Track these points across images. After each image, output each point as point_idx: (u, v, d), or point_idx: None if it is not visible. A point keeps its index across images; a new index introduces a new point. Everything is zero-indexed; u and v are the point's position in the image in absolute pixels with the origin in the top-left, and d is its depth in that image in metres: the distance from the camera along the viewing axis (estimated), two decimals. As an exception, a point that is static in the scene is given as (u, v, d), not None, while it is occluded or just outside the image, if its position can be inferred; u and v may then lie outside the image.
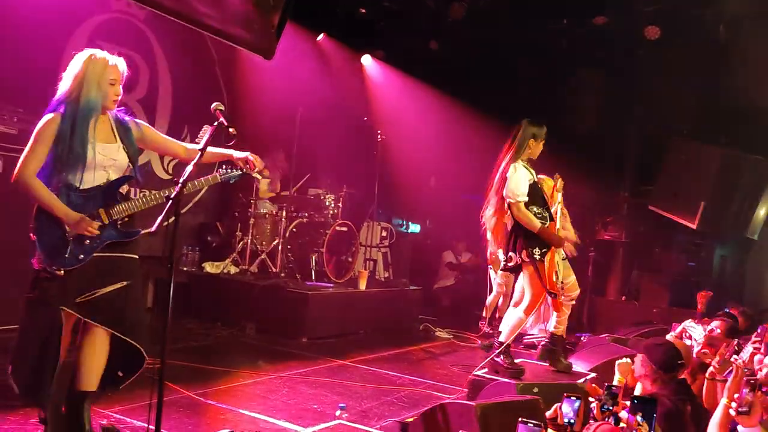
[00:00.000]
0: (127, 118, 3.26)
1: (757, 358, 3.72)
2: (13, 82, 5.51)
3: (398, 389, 4.80)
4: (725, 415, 2.67)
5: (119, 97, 3.14)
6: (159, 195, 3.12)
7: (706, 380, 3.49)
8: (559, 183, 4.97)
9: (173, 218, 2.62)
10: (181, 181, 2.61)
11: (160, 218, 2.53)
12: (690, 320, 5.31)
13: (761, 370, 3.47)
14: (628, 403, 2.91)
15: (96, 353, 3.08)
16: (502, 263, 4.80)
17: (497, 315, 7.22)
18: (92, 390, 3.09)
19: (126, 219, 3.17)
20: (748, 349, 3.83)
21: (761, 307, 7.89)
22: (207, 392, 4.13)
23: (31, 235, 3.05)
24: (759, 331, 4.18)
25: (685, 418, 3.33)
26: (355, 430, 3.76)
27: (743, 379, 2.66)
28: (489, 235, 6.55)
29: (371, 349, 6.03)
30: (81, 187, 3.05)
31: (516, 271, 4.73)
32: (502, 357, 4.56)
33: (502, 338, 4.61)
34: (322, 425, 3.77)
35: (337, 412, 3.90)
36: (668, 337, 5.39)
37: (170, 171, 7.03)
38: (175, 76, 7.12)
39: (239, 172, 3.38)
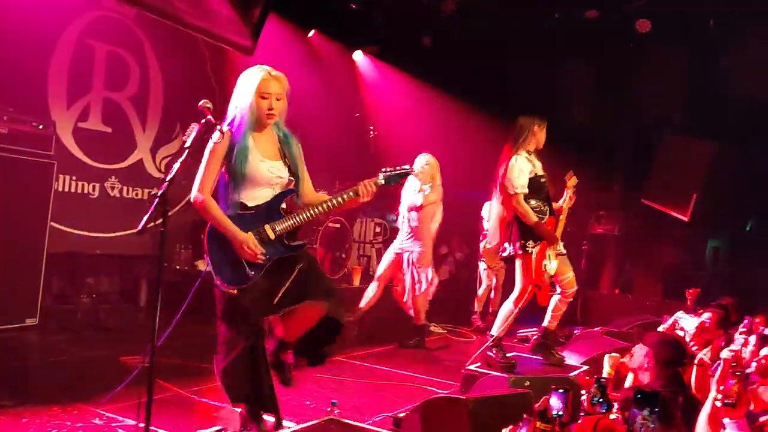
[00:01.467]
0: (289, 133, 3.25)
1: (747, 349, 3.75)
2: (3, 82, 5.50)
3: (391, 384, 4.81)
4: (714, 407, 2.69)
5: (275, 112, 3.08)
6: (323, 207, 3.15)
7: (695, 367, 3.51)
8: (571, 180, 4.98)
9: (162, 217, 2.61)
10: (167, 179, 2.60)
11: (146, 217, 2.52)
12: (681, 311, 5.34)
13: (752, 362, 3.50)
14: (617, 395, 2.93)
15: (306, 321, 3.18)
16: (501, 253, 4.82)
17: (490, 309, 7.24)
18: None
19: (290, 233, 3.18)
20: (739, 339, 3.86)
21: (754, 297, 7.93)
22: (201, 389, 4.13)
23: (205, 256, 3.14)
24: (746, 322, 4.21)
25: (676, 409, 3.35)
26: (347, 426, 3.76)
27: (729, 371, 2.68)
28: (487, 227, 6.58)
29: (365, 345, 6.04)
30: (249, 205, 3.09)
31: (510, 262, 4.76)
32: (494, 350, 4.58)
33: (493, 331, 4.64)
34: (315, 421, 3.77)
35: (329, 408, 3.90)
36: (660, 329, 5.43)
37: (162, 169, 7.02)
38: (166, 75, 7.11)
39: (405, 171, 3.27)
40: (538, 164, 4.73)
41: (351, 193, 3.14)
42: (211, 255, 3.10)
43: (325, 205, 3.15)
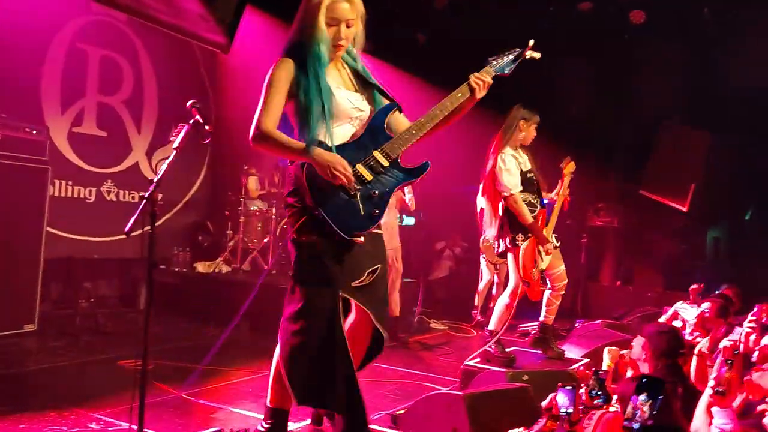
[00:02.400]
0: (365, 66, 2.85)
1: (752, 338, 3.71)
2: (-5, 88, 5.49)
3: (391, 382, 4.79)
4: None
5: (344, 43, 2.68)
6: (439, 111, 2.66)
7: (695, 357, 3.49)
8: (568, 167, 4.93)
9: (150, 219, 2.59)
10: (155, 180, 2.58)
11: (133, 218, 2.50)
12: (681, 302, 5.31)
13: (754, 351, 3.47)
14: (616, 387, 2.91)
15: (362, 341, 2.81)
16: (496, 250, 4.80)
17: (490, 304, 7.23)
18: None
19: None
20: (740, 329, 3.82)
21: (756, 287, 7.90)
22: (198, 391, 4.12)
23: (315, 211, 2.55)
24: (755, 310, 4.14)
25: (675, 400, 3.33)
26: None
27: (721, 358, 2.66)
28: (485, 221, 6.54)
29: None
30: (329, 144, 2.59)
31: (505, 256, 4.75)
32: (493, 346, 4.57)
33: (491, 326, 4.62)
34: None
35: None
36: (661, 320, 5.41)
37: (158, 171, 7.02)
38: (160, 77, 7.11)
39: (513, 56, 2.84)
40: (524, 158, 4.68)
41: (465, 91, 2.69)
42: (322, 204, 2.52)
43: (441, 109, 2.65)
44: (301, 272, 2.66)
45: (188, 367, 4.60)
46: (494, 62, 2.84)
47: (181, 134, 2.72)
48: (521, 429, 2.85)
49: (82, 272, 6.34)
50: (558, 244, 4.73)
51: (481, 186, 4.82)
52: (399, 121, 2.83)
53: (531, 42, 2.88)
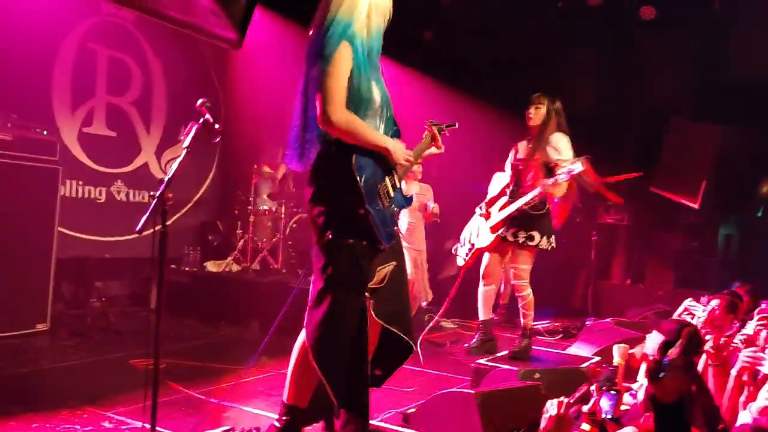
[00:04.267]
0: None
1: (763, 334, 3.65)
2: (5, 88, 5.52)
3: (402, 380, 4.78)
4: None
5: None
6: (415, 153, 2.83)
7: (710, 368, 3.40)
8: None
9: (161, 217, 2.59)
10: (165, 179, 2.58)
11: (144, 217, 2.49)
12: (690, 299, 5.21)
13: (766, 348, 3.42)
14: (628, 385, 2.88)
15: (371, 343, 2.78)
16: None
17: (501, 302, 7.22)
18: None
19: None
20: (751, 324, 3.76)
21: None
22: (210, 390, 4.13)
23: (360, 210, 2.52)
24: (764, 306, 4.07)
25: (695, 409, 3.28)
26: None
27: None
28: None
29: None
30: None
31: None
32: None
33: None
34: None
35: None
36: (674, 316, 5.35)
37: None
38: (168, 78, 7.13)
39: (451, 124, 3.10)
40: (518, 148, 5.02)
41: (427, 139, 2.91)
42: (370, 202, 2.53)
43: (414, 152, 2.79)
44: (340, 275, 2.61)
45: (200, 365, 4.61)
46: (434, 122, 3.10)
47: (191, 133, 2.71)
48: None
49: (93, 272, 6.38)
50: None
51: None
52: None
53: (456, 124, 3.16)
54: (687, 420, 2.47)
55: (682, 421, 2.01)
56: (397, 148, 2.65)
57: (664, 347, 2.43)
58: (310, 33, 2.71)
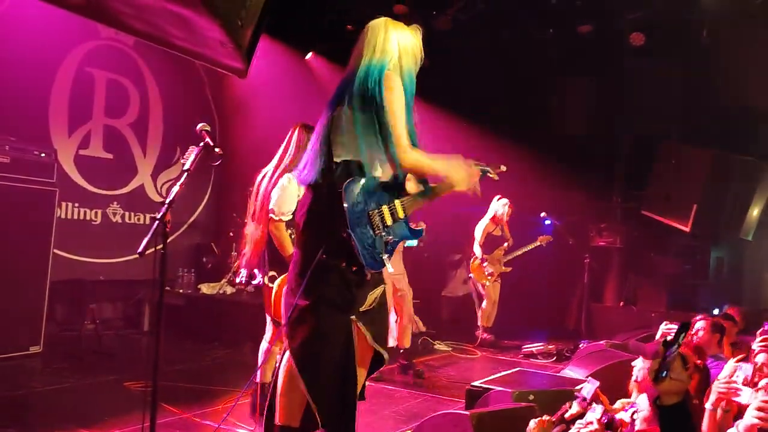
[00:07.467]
0: None
1: (761, 358, 3.63)
2: (4, 110, 5.56)
3: (396, 403, 4.79)
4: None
5: None
6: (441, 189, 2.76)
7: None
8: None
9: (162, 239, 2.62)
10: (167, 201, 2.61)
11: (146, 239, 2.52)
12: (665, 322, 5.04)
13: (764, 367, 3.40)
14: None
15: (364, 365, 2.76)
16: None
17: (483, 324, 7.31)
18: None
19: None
20: (729, 365, 3.64)
21: (760, 307, 7.89)
22: (205, 412, 4.12)
23: (344, 234, 2.53)
24: (766, 328, 3.97)
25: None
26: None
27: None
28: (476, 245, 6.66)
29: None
30: (376, 174, 2.66)
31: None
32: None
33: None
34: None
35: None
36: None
37: (164, 194, 7.07)
38: (165, 100, 7.20)
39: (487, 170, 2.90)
40: None
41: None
42: (353, 227, 2.54)
43: (444, 188, 2.75)
44: (328, 294, 2.62)
45: (194, 387, 4.60)
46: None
47: (192, 156, 2.75)
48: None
49: (87, 294, 6.36)
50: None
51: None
52: None
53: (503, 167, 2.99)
54: (692, 423, 2.48)
55: (688, 425, 2.00)
56: (460, 179, 2.68)
57: (665, 346, 2.43)
58: (344, 78, 2.76)
